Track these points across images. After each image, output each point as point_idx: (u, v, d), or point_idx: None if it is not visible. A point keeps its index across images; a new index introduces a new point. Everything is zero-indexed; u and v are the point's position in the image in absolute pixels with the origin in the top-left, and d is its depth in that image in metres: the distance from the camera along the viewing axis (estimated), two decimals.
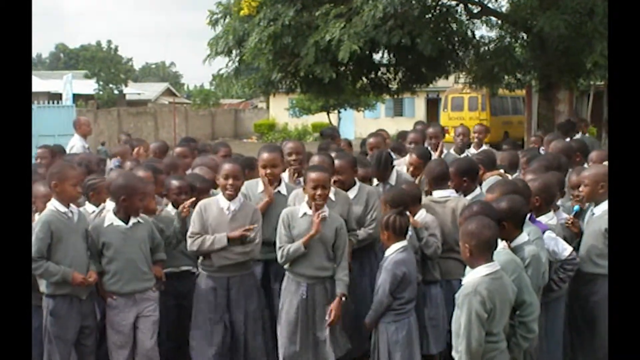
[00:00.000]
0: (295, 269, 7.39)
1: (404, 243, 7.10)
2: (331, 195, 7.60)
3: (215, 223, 7.50)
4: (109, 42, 62.01)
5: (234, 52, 21.48)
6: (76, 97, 39.87)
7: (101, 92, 57.31)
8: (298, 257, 7.30)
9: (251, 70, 23.10)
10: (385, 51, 21.58)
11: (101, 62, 58.84)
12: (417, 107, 56.58)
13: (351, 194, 8.15)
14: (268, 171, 8.12)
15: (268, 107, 61.76)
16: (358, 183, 8.34)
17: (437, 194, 7.90)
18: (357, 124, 54.43)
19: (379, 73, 23.31)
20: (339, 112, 49.41)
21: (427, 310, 7.62)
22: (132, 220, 7.30)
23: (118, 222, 7.27)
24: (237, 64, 22.06)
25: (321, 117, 50.33)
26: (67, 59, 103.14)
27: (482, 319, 5.48)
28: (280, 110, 56.37)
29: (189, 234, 7.53)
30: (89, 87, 56.39)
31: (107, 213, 7.39)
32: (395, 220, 7.06)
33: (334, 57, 18.51)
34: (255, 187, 8.24)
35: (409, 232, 7.36)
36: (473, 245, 5.58)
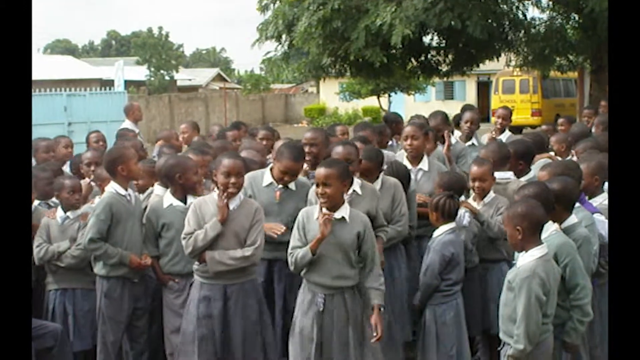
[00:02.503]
0: (311, 277, 6.51)
1: (452, 225, 7.09)
2: (357, 189, 7.10)
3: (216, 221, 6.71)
4: (160, 28, 62.45)
5: (283, 36, 21.53)
6: (128, 84, 40.13)
7: (152, 79, 57.70)
8: (313, 265, 6.41)
9: (301, 55, 23.14)
10: (435, 34, 21.50)
11: (152, 48, 59.23)
12: (468, 90, 56.25)
13: (377, 186, 7.49)
14: (286, 178, 7.43)
15: (318, 92, 61.76)
16: (382, 175, 7.63)
17: (499, 175, 7.79)
18: (407, 108, 54.21)
19: (429, 56, 23.23)
20: (390, 95, 49.24)
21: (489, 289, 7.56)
22: (190, 200, 7.24)
23: (177, 203, 7.25)
24: (286, 48, 22.10)
25: (371, 101, 50.24)
26: (119, 46, 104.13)
27: (541, 301, 5.45)
28: (330, 94, 56.33)
29: (182, 234, 6.74)
30: (141, 73, 56.79)
31: (165, 194, 7.36)
32: (445, 203, 7.05)
33: (384, 41, 18.48)
34: (260, 179, 7.54)
35: (468, 218, 7.35)
36: (525, 227, 5.54)
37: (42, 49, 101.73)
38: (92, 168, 8.52)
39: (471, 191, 7.68)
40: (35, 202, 8.02)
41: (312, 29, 19.22)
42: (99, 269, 7.20)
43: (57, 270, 7.59)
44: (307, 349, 6.46)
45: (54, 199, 8.12)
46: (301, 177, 7.72)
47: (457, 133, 11.55)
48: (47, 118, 28.68)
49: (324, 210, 6.33)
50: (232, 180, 6.64)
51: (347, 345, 6.42)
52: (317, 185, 6.39)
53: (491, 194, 7.52)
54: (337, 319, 6.42)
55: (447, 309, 7.02)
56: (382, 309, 6.45)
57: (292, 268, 6.54)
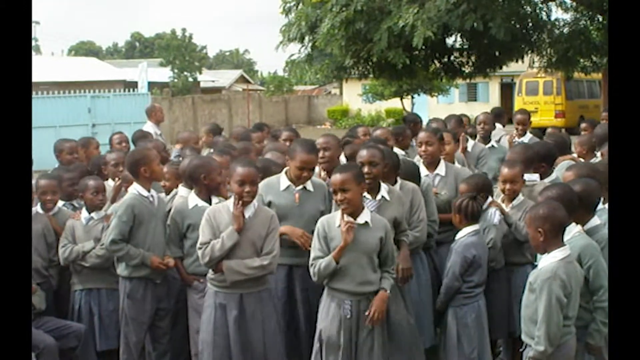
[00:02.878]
0: (335, 284, 6.39)
1: (475, 227, 7.08)
2: (385, 194, 6.97)
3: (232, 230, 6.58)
4: (184, 30, 62.48)
5: (306, 38, 21.56)
6: (151, 85, 40.32)
7: (176, 80, 57.81)
8: (337, 272, 6.31)
9: (324, 57, 23.16)
10: (458, 35, 21.47)
11: (176, 50, 59.33)
12: (491, 91, 56.14)
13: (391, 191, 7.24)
14: (305, 174, 7.24)
15: (341, 93, 61.78)
16: (400, 180, 7.47)
17: (526, 177, 7.75)
18: (430, 110, 54.13)
19: (452, 57, 23.21)
20: (413, 97, 49.18)
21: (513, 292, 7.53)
22: (214, 200, 7.23)
23: (202, 203, 7.19)
24: (309, 50, 22.13)
25: (394, 103, 50.20)
26: (143, 48, 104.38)
27: (562, 303, 5.44)
28: (353, 96, 56.34)
29: (198, 245, 6.65)
30: (164, 75, 56.94)
31: (190, 195, 7.32)
32: (468, 205, 7.04)
33: (406, 42, 18.47)
34: (276, 184, 7.35)
35: (499, 217, 7.35)
36: (547, 229, 5.52)
37: (66, 50, 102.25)
38: (120, 169, 8.55)
39: (499, 193, 7.65)
40: (60, 203, 8.08)
41: (335, 30, 19.25)
42: (121, 269, 7.23)
43: (81, 270, 7.65)
44: (333, 355, 6.40)
45: (78, 200, 8.21)
46: (316, 178, 7.62)
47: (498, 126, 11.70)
48: (71, 119, 28.91)
49: (346, 217, 6.25)
50: (247, 189, 6.53)
51: (372, 349, 6.36)
52: (335, 192, 6.34)
53: (520, 197, 7.48)
54: (364, 324, 6.34)
55: (469, 310, 7.01)
56: (387, 291, 6.42)
57: (314, 279, 6.44)
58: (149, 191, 7.27)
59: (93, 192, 7.69)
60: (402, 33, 18.24)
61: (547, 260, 5.56)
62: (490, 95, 56.06)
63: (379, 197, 6.95)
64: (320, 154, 7.75)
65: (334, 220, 6.37)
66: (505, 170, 7.47)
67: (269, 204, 7.15)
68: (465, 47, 22.58)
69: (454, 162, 8.72)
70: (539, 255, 5.82)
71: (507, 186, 7.42)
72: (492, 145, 10.52)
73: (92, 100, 30.80)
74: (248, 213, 6.60)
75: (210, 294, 6.72)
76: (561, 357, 5.56)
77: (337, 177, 6.31)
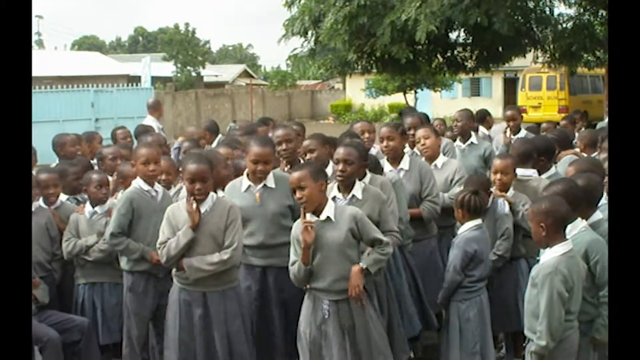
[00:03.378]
0: (312, 283, 6.31)
1: (477, 222, 7.08)
2: (357, 193, 6.77)
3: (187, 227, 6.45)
4: (187, 24, 62.40)
5: (309, 32, 21.51)
6: (154, 80, 40.33)
7: (179, 75, 57.81)
8: (313, 272, 6.24)
9: (327, 52, 23.14)
10: (462, 30, 21.44)
11: (179, 44, 59.29)
12: (495, 86, 56.07)
13: (358, 188, 6.94)
14: (259, 167, 7.06)
15: (344, 88, 61.75)
16: (369, 174, 7.23)
17: (520, 172, 7.79)
18: (434, 105, 54.10)
19: (455, 52, 23.18)
20: (416, 92, 49.14)
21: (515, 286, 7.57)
22: (220, 194, 7.12)
23: None
24: (312, 44, 22.11)
25: (398, 98, 50.19)
26: (146, 42, 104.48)
27: (563, 298, 5.44)
28: (356, 91, 56.30)
29: (157, 244, 6.58)
30: (167, 69, 56.94)
31: (232, 188, 7.26)
32: (470, 199, 7.04)
33: (410, 37, 18.45)
34: (238, 186, 7.23)
35: (507, 208, 7.38)
36: (549, 223, 5.53)
37: (69, 45, 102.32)
38: (118, 162, 8.59)
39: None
40: (64, 197, 8.09)
41: (338, 25, 19.23)
42: (123, 263, 7.25)
43: (85, 264, 7.66)
44: (317, 356, 6.34)
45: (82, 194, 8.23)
46: (279, 172, 7.46)
47: (482, 129, 11.57)
48: (74, 114, 28.96)
49: (308, 216, 6.18)
50: (197, 186, 6.39)
51: (345, 351, 6.24)
52: (293, 191, 6.26)
53: (511, 191, 7.54)
54: (346, 326, 6.25)
55: (471, 305, 7.02)
56: (364, 267, 6.18)
57: (296, 284, 6.40)
58: (152, 186, 7.27)
59: (97, 186, 7.70)
60: (405, 27, 18.22)
61: (549, 255, 5.56)
62: (494, 90, 56.02)
63: (349, 196, 6.80)
64: (283, 147, 7.80)
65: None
66: (497, 162, 7.61)
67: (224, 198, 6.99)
68: (469, 41, 22.53)
69: (436, 157, 8.57)
70: (541, 250, 5.82)
71: (498, 176, 7.53)
72: (472, 142, 10.31)
73: (95, 95, 30.85)
74: (205, 207, 6.48)
75: (175, 289, 6.65)
76: (563, 351, 5.56)
77: (294, 175, 6.25)
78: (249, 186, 7.13)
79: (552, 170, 8.17)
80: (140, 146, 7.47)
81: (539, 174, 7.99)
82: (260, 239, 7.04)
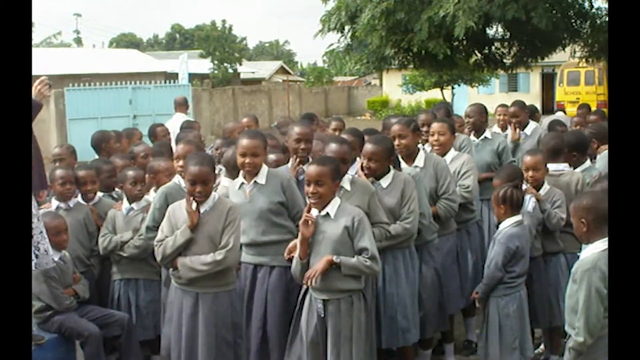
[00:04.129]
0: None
1: (518, 217, 7.05)
2: (345, 185, 6.66)
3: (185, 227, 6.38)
4: (224, 21, 62.54)
5: (346, 28, 21.46)
6: (192, 77, 40.49)
7: (216, 71, 57.98)
8: (305, 270, 6.20)
9: (363, 47, 23.09)
10: (499, 25, 21.30)
11: (216, 41, 59.46)
12: (532, 82, 55.77)
13: (384, 182, 7.06)
14: (247, 160, 6.88)
15: (381, 84, 61.73)
16: (392, 171, 7.15)
17: (552, 167, 7.77)
18: (471, 100, 53.73)
19: (493, 48, 23.03)
20: (453, 88, 48.99)
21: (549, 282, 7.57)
22: None
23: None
24: (349, 40, 22.07)
25: (435, 94, 50.03)
26: (183, 39, 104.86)
27: (601, 295, 5.37)
28: (393, 86, 56.26)
29: (155, 242, 6.57)
30: (204, 66, 57.15)
31: (230, 185, 7.22)
32: (512, 194, 7.00)
33: (447, 33, 18.36)
34: (234, 184, 7.15)
35: (533, 204, 7.34)
36: (590, 219, 5.48)
37: (107, 43, 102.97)
38: (150, 159, 8.62)
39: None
40: (100, 194, 8.15)
41: (375, 20, 19.16)
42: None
43: (120, 260, 7.70)
44: (314, 356, 6.27)
45: (117, 190, 8.29)
46: (273, 169, 7.27)
47: (532, 124, 11.45)
48: (112, 111, 29.16)
49: (307, 212, 6.15)
50: (198, 189, 6.29)
51: (338, 353, 6.16)
52: (308, 184, 6.15)
53: (546, 186, 7.53)
54: (344, 326, 6.17)
55: (511, 301, 7.00)
56: (335, 262, 6.07)
57: (297, 281, 6.37)
58: None
59: (132, 183, 7.73)
60: (442, 23, 18.12)
61: (589, 251, 5.51)
62: (531, 85, 55.73)
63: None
64: (302, 145, 7.45)
65: None
66: (527, 158, 7.60)
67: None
68: (507, 37, 22.38)
69: (446, 152, 8.38)
70: (583, 245, 5.78)
71: (530, 173, 7.53)
72: (485, 137, 9.98)
73: (133, 92, 31.02)
74: (204, 207, 6.39)
75: (172, 288, 6.64)
76: (601, 348, 5.49)
77: (313, 169, 6.16)
78: (242, 183, 7.04)
79: (587, 163, 8.14)
80: (180, 144, 7.50)
81: (575, 169, 7.96)
82: (250, 236, 6.91)
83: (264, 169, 7.03)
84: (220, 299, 6.42)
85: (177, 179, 7.31)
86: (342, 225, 6.11)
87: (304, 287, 6.37)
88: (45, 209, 7.40)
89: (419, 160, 7.84)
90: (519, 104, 11.55)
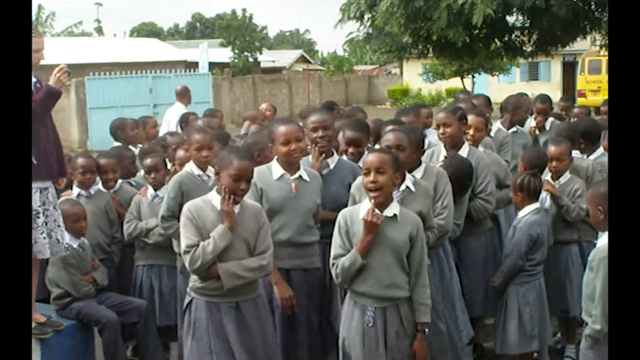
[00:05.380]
0: (358, 286, 5.63)
1: (537, 205, 7.06)
2: (410, 185, 6.08)
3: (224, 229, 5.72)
4: (244, 10, 62.53)
5: (365, 16, 21.44)
6: (212, 66, 40.59)
7: (236, 60, 57.99)
8: (360, 272, 5.57)
9: (383, 36, 23.06)
10: (519, 13, 21.21)
11: (236, 30, 59.46)
12: (553, 70, 55.57)
13: (416, 176, 6.48)
14: (293, 147, 6.37)
15: (402, 73, 61.62)
16: (424, 163, 6.69)
17: None
18: (491, 89, 53.70)
19: (513, 36, 22.94)
20: (473, 77, 48.86)
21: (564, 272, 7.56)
22: None
23: None
24: (368, 28, 22.05)
25: (455, 83, 49.93)
26: (203, 28, 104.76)
27: None
28: (413, 75, 56.15)
29: (183, 249, 5.72)
30: (225, 55, 57.18)
31: (260, 174, 6.70)
32: (530, 182, 7.01)
33: (466, 21, 18.31)
34: (268, 173, 6.53)
35: (549, 201, 7.38)
36: (606, 207, 5.46)
37: (128, 32, 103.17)
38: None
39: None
40: (120, 181, 8.19)
41: (394, 8, 19.13)
42: (175, 246, 7.20)
43: (144, 246, 7.74)
44: None
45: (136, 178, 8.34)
46: (308, 168, 6.71)
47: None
48: (133, 100, 29.29)
49: (372, 207, 5.54)
50: (242, 186, 5.73)
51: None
52: (367, 174, 5.54)
53: (567, 175, 7.50)
54: (391, 335, 5.61)
55: (530, 288, 7.01)
56: (426, 332, 5.68)
57: (337, 280, 5.72)
58: (204, 171, 7.17)
59: (149, 171, 7.77)
60: (461, 11, 18.07)
61: (605, 239, 5.50)
62: (552, 74, 55.52)
63: (402, 187, 6.08)
64: (320, 134, 6.83)
65: (358, 212, 5.63)
66: (552, 148, 7.54)
67: (261, 195, 6.44)
68: (527, 25, 22.28)
69: (459, 145, 7.65)
70: (600, 233, 5.77)
71: (554, 164, 7.50)
72: (515, 131, 9.72)
73: (154, 81, 31.13)
74: (236, 209, 5.78)
75: (200, 307, 5.81)
76: None
77: (374, 157, 5.59)
78: (283, 174, 6.51)
79: (599, 151, 8.16)
80: (193, 132, 7.43)
81: (587, 157, 7.98)
82: (288, 234, 6.39)
83: (301, 166, 6.59)
84: (258, 303, 5.96)
85: (190, 167, 7.27)
86: (407, 230, 5.58)
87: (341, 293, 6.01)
88: (65, 197, 7.44)
89: (462, 153, 7.40)
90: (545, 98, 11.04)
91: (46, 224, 6.41)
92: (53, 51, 21.54)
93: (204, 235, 5.69)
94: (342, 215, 5.73)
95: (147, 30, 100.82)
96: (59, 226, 6.54)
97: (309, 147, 6.90)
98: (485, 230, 7.59)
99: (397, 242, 5.55)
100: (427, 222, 6.07)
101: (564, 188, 7.47)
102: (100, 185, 7.96)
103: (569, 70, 53.63)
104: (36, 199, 6.29)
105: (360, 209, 5.62)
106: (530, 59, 24.62)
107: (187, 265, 5.73)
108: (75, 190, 7.75)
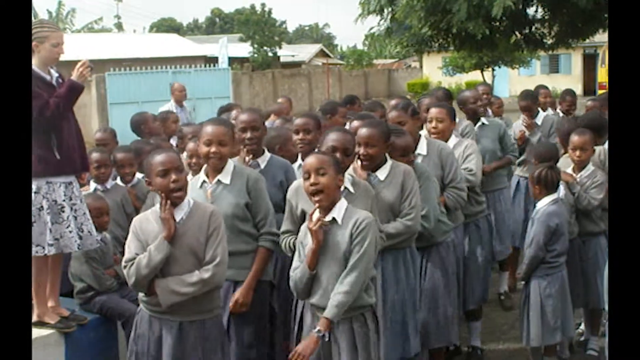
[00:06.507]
0: (310, 298, 5.24)
1: (554, 196, 7.04)
2: (349, 185, 5.62)
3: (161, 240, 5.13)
4: (263, 5, 62.60)
5: (385, 10, 21.47)
6: (231, 61, 40.62)
7: (256, 55, 58.06)
8: (311, 283, 5.16)
9: (403, 30, 23.06)
10: (539, 5, 21.16)
11: (255, 25, 59.53)
12: (574, 63, 55.33)
13: (381, 174, 6.08)
14: (212, 149, 5.89)
15: (421, 66, 61.57)
16: (390, 160, 6.14)
17: None
18: (511, 82, 53.61)
19: (533, 28, 22.89)
20: (493, 70, 48.74)
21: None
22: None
23: None
24: (389, 22, 22.07)
25: (475, 76, 49.80)
26: (223, 23, 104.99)
27: None
28: (433, 69, 56.10)
29: (123, 262, 5.21)
30: (244, 50, 57.28)
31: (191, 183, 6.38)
32: (547, 174, 7.00)
33: (486, 13, 18.29)
34: (195, 181, 6.10)
35: (563, 190, 7.33)
36: None
37: (147, 27, 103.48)
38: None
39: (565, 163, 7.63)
40: (139, 175, 8.22)
41: (414, 1, 19.16)
42: None
43: None
44: None
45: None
46: (241, 165, 6.34)
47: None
48: (153, 95, 29.28)
49: (316, 213, 5.15)
50: (172, 177, 5.11)
51: None
52: (307, 177, 5.13)
53: (589, 167, 7.46)
54: (345, 350, 5.15)
55: (552, 281, 6.98)
56: (320, 332, 5.06)
57: (295, 294, 5.35)
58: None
59: None
60: (481, 3, 18.09)
61: None
62: (573, 66, 55.28)
63: (341, 188, 5.47)
64: (248, 135, 6.53)
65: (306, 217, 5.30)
66: (575, 138, 7.49)
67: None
68: (547, 17, 22.23)
69: (446, 140, 7.58)
70: None
71: (577, 153, 7.45)
72: (483, 123, 9.06)
73: (174, 76, 31.12)
74: (180, 214, 5.19)
75: (144, 318, 5.35)
76: None
77: (312, 158, 5.19)
78: (204, 182, 6.08)
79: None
80: (205, 124, 7.07)
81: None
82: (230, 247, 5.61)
83: (229, 164, 6.09)
84: (208, 327, 5.29)
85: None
86: (348, 232, 5.10)
87: (300, 304, 5.46)
88: (85, 192, 7.48)
89: (421, 148, 7.11)
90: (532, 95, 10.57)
91: (75, 218, 6.43)
92: (73, 47, 21.64)
93: (146, 249, 5.13)
94: (301, 229, 5.35)
95: (167, 26, 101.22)
96: (88, 219, 6.56)
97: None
98: (458, 225, 7.37)
99: (340, 248, 5.08)
100: None
101: (585, 181, 7.44)
102: (118, 180, 7.98)
103: (590, 62, 53.41)
104: (60, 193, 6.30)
105: (313, 215, 5.19)
106: (550, 52, 24.53)
107: (127, 281, 5.22)
108: (92, 185, 7.78)
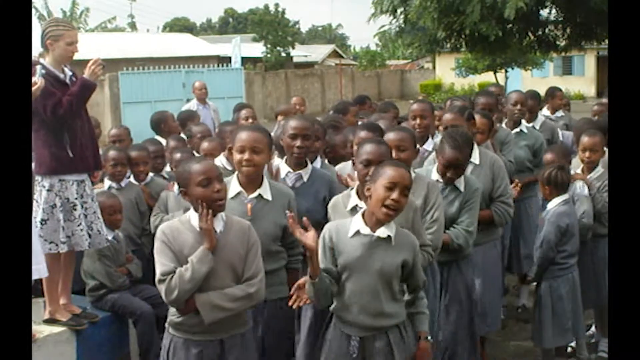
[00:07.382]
0: (342, 314, 4.90)
1: (565, 196, 7.06)
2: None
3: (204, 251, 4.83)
4: (277, 5, 62.62)
5: (398, 10, 21.48)
6: (244, 61, 40.64)
7: (269, 55, 58.12)
8: (344, 298, 4.86)
9: (416, 30, 23.06)
10: (553, 7, 21.14)
11: (269, 25, 59.57)
12: (587, 65, 55.19)
13: None
14: (246, 157, 5.50)
15: (434, 68, 61.48)
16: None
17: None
18: (524, 84, 53.42)
19: (546, 30, 22.86)
20: (506, 71, 48.59)
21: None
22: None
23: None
24: (401, 22, 22.07)
25: (488, 77, 49.68)
26: (236, 23, 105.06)
27: None
28: (446, 70, 55.99)
29: (158, 277, 4.81)
30: (257, 50, 57.35)
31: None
32: (557, 175, 7.02)
33: (499, 14, 18.29)
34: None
35: (587, 190, 7.34)
36: None
37: (161, 27, 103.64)
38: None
39: (576, 164, 7.64)
40: (151, 174, 8.24)
41: (428, 2, 19.18)
42: None
43: None
44: None
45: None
46: (277, 183, 5.95)
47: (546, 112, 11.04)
48: (166, 94, 29.36)
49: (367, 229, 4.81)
50: (216, 187, 4.85)
51: None
52: (390, 189, 4.69)
53: (599, 169, 7.47)
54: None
55: (563, 282, 7.00)
56: (429, 338, 5.07)
57: (316, 303, 5.03)
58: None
59: (175, 165, 7.81)
60: (494, 5, 18.08)
61: None
62: (586, 68, 55.14)
63: (352, 204, 5.39)
64: (298, 143, 6.12)
65: (347, 228, 4.89)
66: (585, 139, 7.51)
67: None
68: (560, 19, 22.19)
69: (425, 140, 7.57)
70: None
71: (587, 154, 7.47)
72: (521, 130, 9.00)
73: (187, 76, 31.16)
74: (219, 227, 4.93)
75: (179, 347, 4.97)
76: None
77: (396, 172, 4.75)
78: (239, 193, 5.68)
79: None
80: (240, 130, 6.86)
81: None
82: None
83: (265, 182, 5.74)
84: (246, 338, 5.11)
85: (221, 160, 7.29)
86: (401, 256, 4.85)
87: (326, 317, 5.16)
88: (99, 189, 7.50)
89: (474, 157, 6.77)
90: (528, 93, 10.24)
91: (86, 216, 6.47)
92: (87, 46, 21.70)
93: (181, 261, 4.81)
94: (327, 229, 4.95)
95: (180, 26, 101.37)
96: (98, 218, 6.59)
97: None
98: (497, 238, 7.17)
99: (389, 269, 4.80)
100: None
101: (595, 183, 7.44)
102: (132, 178, 8.01)
103: (604, 64, 53.22)
104: (73, 191, 6.35)
105: (349, 225, 4.88)
106: (563, 53, 24.49)
107: (163, 296, 4.84)
108: (107, 182, 7.81)
